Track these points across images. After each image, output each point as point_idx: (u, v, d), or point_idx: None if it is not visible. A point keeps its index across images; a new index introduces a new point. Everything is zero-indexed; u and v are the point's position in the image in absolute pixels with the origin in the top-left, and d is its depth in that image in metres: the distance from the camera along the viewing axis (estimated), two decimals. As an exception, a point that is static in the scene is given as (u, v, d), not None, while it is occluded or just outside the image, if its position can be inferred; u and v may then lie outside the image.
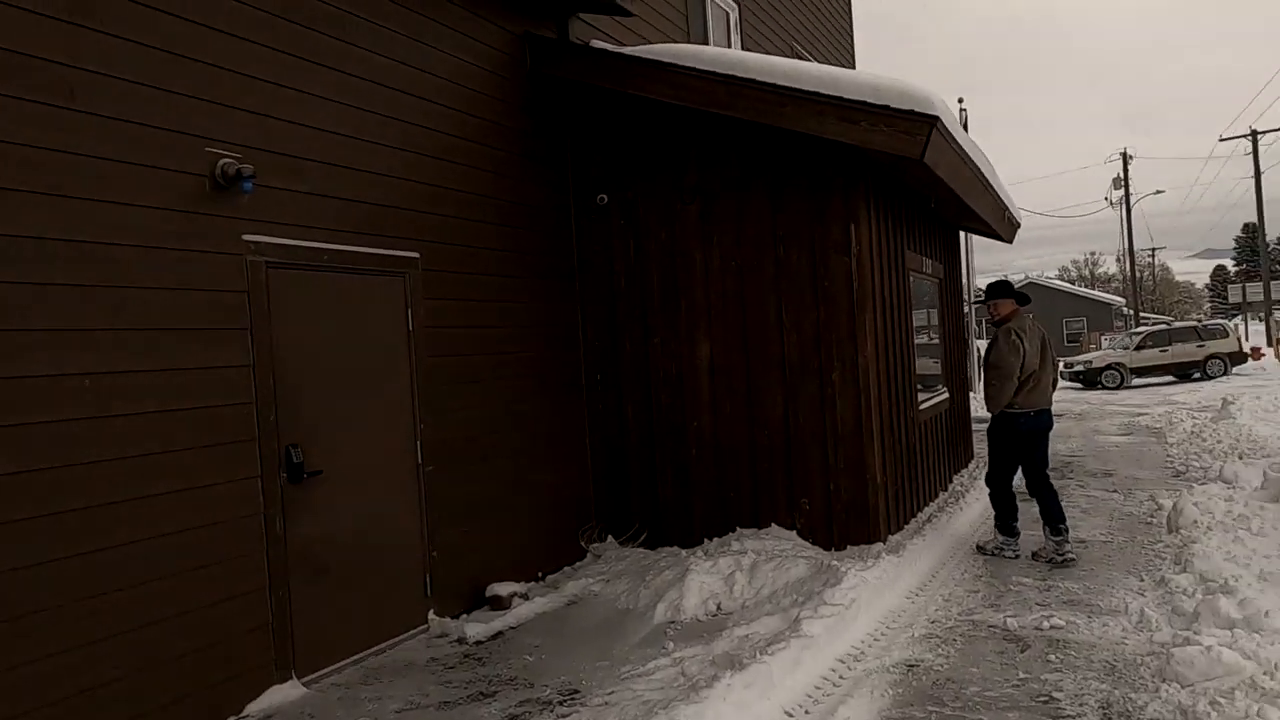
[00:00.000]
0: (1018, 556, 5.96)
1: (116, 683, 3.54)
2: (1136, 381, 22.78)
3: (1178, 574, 5.00)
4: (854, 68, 14.77)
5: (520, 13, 6.30)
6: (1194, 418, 12.80)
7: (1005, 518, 6.14)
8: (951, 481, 8.59)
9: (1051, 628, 4.47)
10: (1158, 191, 43.56)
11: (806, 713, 3.68)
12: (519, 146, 6.22)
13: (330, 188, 4.67)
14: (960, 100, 19.08)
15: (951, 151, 5.73)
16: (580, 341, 6.79)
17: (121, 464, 3.62)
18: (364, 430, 4.77)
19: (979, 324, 21.81)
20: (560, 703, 3.95)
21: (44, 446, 3.38)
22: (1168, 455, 9.93)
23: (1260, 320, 36.41)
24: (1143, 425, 13.14)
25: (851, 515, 5.96)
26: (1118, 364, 22.98)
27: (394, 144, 5.10)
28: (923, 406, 7.46)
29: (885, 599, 4.93)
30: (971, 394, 11.75)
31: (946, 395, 8.66)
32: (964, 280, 13.36)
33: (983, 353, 6.68)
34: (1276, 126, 37.34)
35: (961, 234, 11.27)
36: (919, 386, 7.49)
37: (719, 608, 5.06)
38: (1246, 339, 32.41)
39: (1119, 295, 54.71)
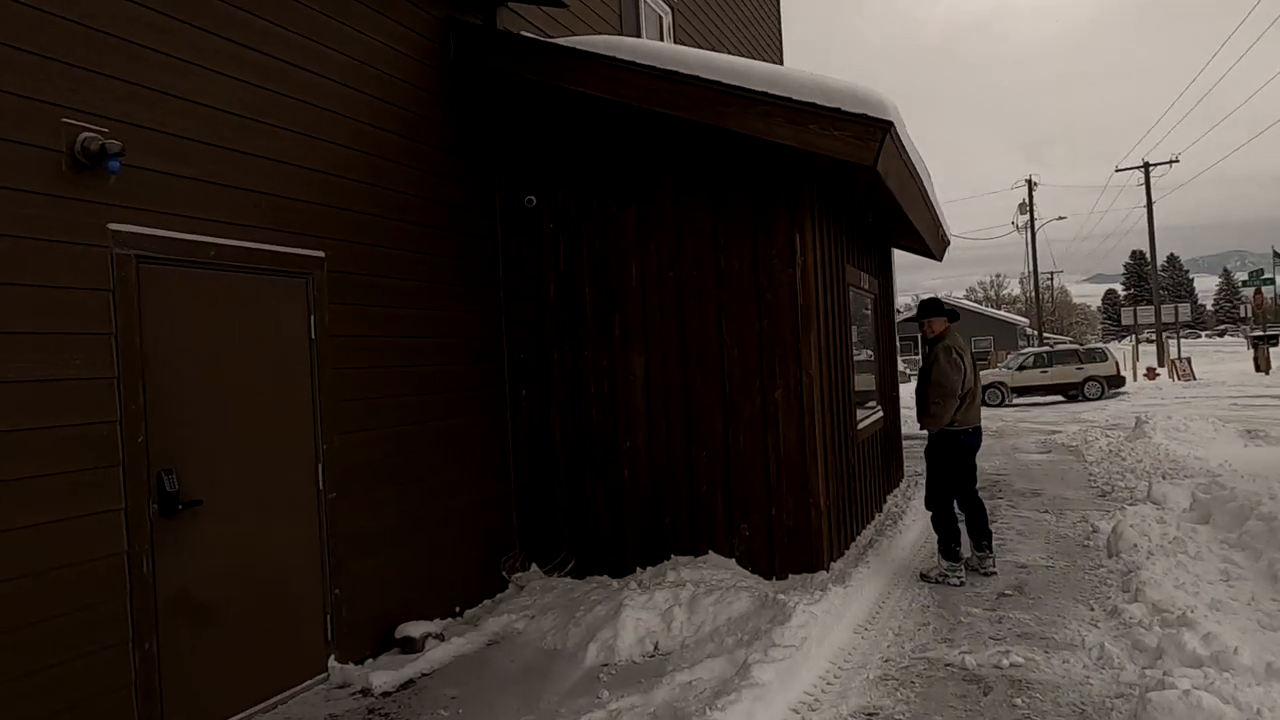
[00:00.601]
0: (963, 584, 5.78)
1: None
2: (1017, 400, 23.77)
3: (1129, 603, 4.82)
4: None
5: (444, -5, 5.80)
6: (1107, 436, 13.09)
7: (948, 541, 5.94)
8: (885, 502, 8.39)
9: (1011, 665, 4.20)
10: (1060, 218, 45.59)
11: (762, 775, 3.27)
12: (441, 140, 5.69)
13: (221, 174, 4.07)
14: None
15: (901, 160, 5.49)
16: (505, 354, 6.28)
17: (-60, 497, 2.95)
18: (255, 452, 4.16)
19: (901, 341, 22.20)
20: (481, 769, 3.44)
21: None
22: (1090, 474, 10.01)
23: (1148, 341, 38.38)
24: (1059, 443, 13.35)
25: (794, 542, 5.62)
26: (999, 383, 23.88)
27: (299, 129, 4.52)
28: (861, 425, 7.22)
29: (835, 635, 4.58)
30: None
31: (881, 414, 8.47)
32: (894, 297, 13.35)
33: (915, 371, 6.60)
34: (1167, 159, 39.42)
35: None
36: (856, 404, 7.25)
37: (656, 647, 4.62)
38: (1138, 359, 34.13)
39: (1023, 316, 57.03)
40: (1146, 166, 39.76)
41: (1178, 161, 39.48)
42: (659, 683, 4.02)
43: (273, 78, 4.37)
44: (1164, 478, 8.57)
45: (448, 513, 5.52)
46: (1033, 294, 48.14)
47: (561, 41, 5.79)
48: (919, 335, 6.53)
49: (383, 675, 4.41)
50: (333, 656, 4.51)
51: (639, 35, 9.24)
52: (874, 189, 6.04)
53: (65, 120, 3.39)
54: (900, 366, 18.64)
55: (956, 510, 6.04)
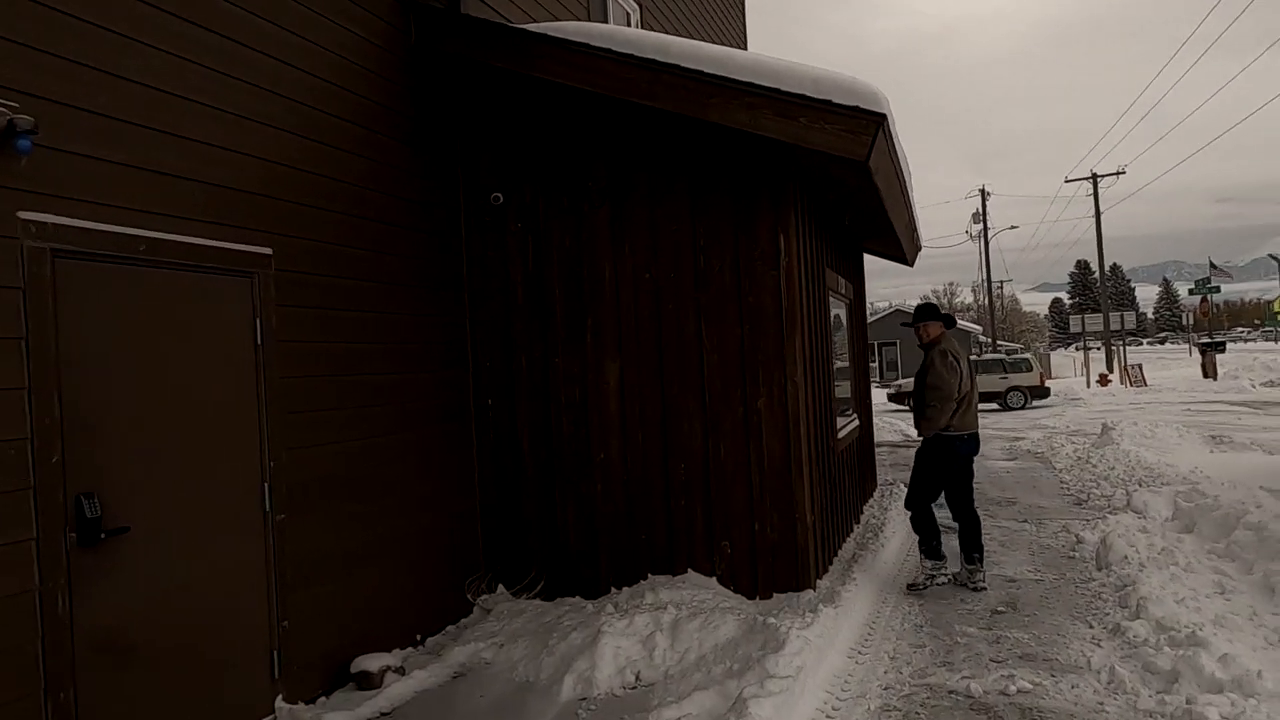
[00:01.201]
0: (949, 580, 5.76)
1: None
2: None
3: (1131, 620, 4.61)
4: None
5: (404, -24, 5.41)
6: (1073, 442, 13.10)
7: (930, 540, 5.88)
8: (863, 513, 8.16)
9: (1019, 692, 3.93)
10: (1013, 227, 46.40)
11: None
12: (401, 132, 5.29)
13: (156, 160, 3.63)
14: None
15: (890, 157, 5.24)
16: (470, 360, 5.88)
17: None
18: (192, 471, 3.72)
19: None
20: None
21: None
22: (1061, 481, 9.91)
23: (1091, 348, 39.24)
24: (1025, 450, 13.30)
25: (779, 559, 5.32)
26: None
27: (245, 113, 4.10)
28: (840, 434, 6.96)
29: (829, 660, 4.28)
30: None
31: (858, 422, 8.24)
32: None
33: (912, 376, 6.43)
34: (1114, 171, 40.36)
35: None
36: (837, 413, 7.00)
37: (638, 678, 4.27)
38: (1088, 366, 34.76)
39: (976, 324, 57.95)
40: (1095, 178, 40.67)
41: (1124, 173, 40.47)
42: (645, 719, 3.67)
43: (218, 57, 3.94)
44: (1141, 485, 8.47)
45: (408, 533, 5.10)
46: (985, 302, 48.91)
47: (531, 27, 5.44)
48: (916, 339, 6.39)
49: (336, 716, 3.98)
50: (280, 696, 4.07)
51: (606, 31, 8.91)
52: (859, 188, 5.79)
53: (-36, 91, 2.95)
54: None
55: (951, 521, 5.95)
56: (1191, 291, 37.75)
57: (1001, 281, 72.71)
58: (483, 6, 6.39)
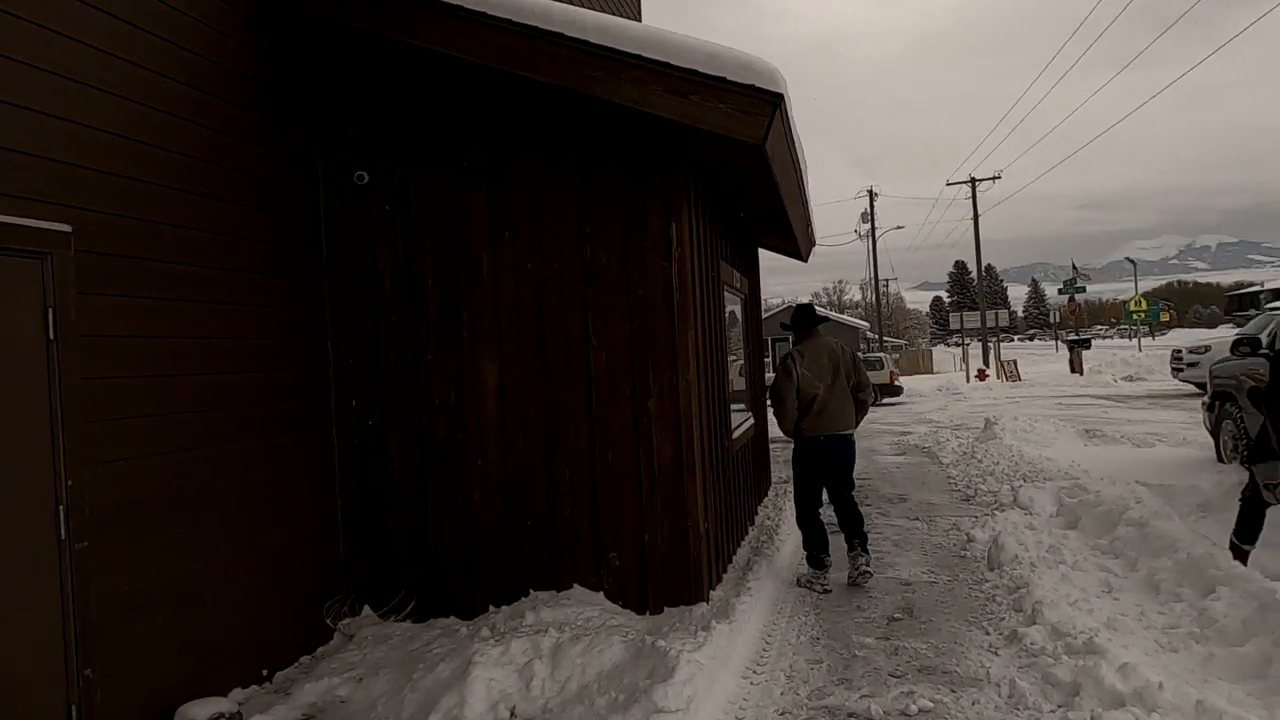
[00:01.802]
0: (828, 591, 5.64)
1: None
2: None
3: (1027, 626, 4.49)
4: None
5: (250, -79, 4.75)
6: (957, 437, 13.40)
7: (812, 548, 5.86)
8: (758, 514, 7.95)
9: (920, 711, 3.71)
10: (898, 227, 48.05)
11: None
12: (246, 98, 4.65)
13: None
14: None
15: (786, 143, 4.97)
16: (330, 358, 5.28)
17: None
18: (-40, 494, 3.03)
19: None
20: None
21: None
22: (949, 477, 10.03)
23: (965, 344, 41.15)
24: (912, 445, 13.53)
25: (670, 570, 4.97)
26: None
27: (42, 64, 3.41)
28: (735, 434, 6.70)
29: (722, 683, 3.96)
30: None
31: (753, 420, 8.02)
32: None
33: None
34: (991, 176, 42.35)
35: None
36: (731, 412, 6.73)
37: (513, 713, 3.82)
38: (967, 362, 36.36)
39: (864, 320, 59.86)
40: (973, 181, 42.65)
41: (1000, 177, 42.58)
42: (517, 766, 3.24)
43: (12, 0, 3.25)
44: (1025, 480, 8.60)
45: (255, 554, 4.48)
46: (872, 299, 50.52)
47: (398, -13, 4.88)
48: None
49: (152, 779, 3.38)
50: (83, 758, 3.42)
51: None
52: (755, 178, 5.51)
53: None
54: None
55: (833, 515, 6.00)
56: (1060, 291, 40.04)
57: (888, 280, 75.54)
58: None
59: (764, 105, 4.24)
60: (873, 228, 44.76)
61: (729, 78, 4.23)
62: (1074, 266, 43.96)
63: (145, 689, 3.74)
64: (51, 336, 3.38)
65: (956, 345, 44.11)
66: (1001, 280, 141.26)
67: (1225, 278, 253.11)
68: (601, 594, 5.01)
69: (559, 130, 5.07)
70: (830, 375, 5.81)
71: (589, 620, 4.64)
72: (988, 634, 4.63)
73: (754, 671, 4.23)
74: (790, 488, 6.32)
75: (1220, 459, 8.89)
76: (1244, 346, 7.24)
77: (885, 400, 23.94)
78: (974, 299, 59.41)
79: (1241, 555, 5.13)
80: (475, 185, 5.17)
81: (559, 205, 5.07)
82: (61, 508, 3.38)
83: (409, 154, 5.24)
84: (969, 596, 5.35)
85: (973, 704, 3.76)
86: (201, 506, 4.14)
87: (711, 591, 5.16)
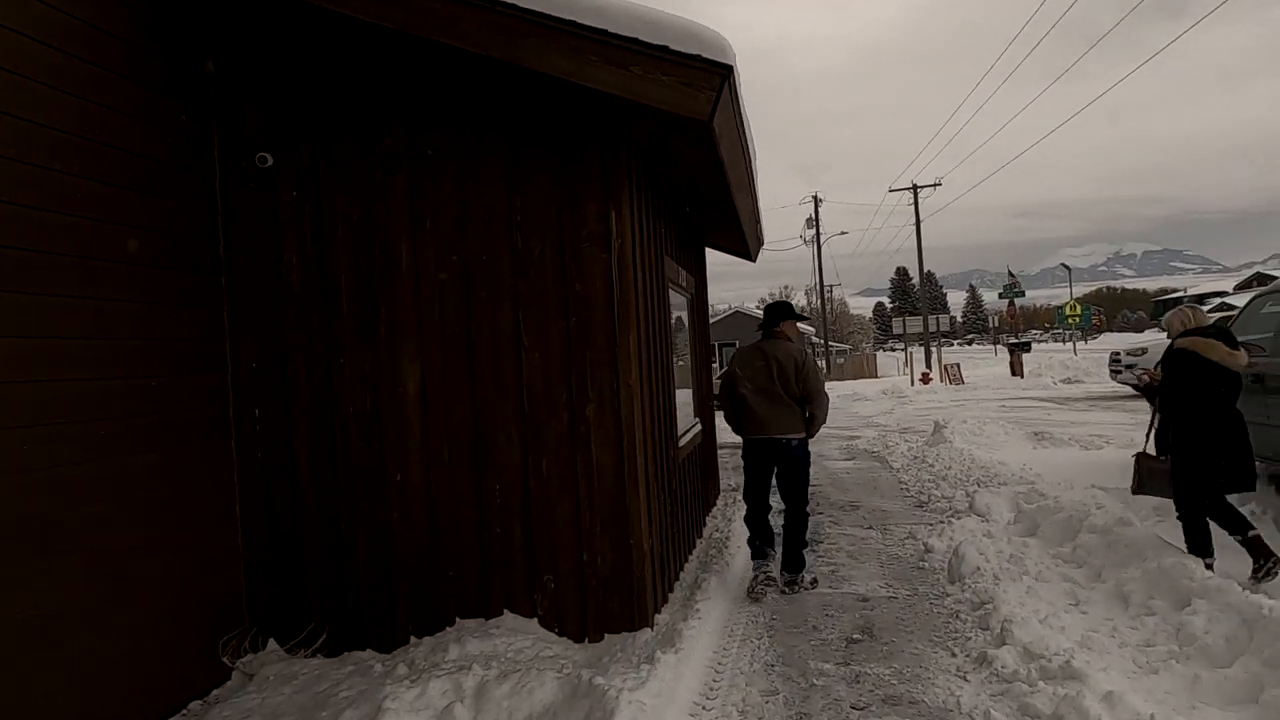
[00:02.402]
0: (771, 582, 5.54)
1: None
2: None
3: (997, 647, 4.15)
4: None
5: None
6: (906, 441, 13.23)
7: (752, 542, 5.75)
8: (706, 525, 7.54)
9: (889, 751, 3.32)
10: (843, 233, 48.53)
11: None
12: (127, 66, 4.07)
13: None
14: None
15: (735, 123, 4.57)
16: (228, 362, 4.70)
17: None
18: None
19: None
20: None
21: None
22: (900, 482, 9.77)
23: (906, 348, 41.76)
24: (861, 449, 13.31)
25: (611, 593, 4.52)
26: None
27: None
28: (682, 442, 6.28)
29: (669, 724, 3.51)
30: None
31: (700, 426, 7.62)
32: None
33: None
34: (932, 183, 43.10)
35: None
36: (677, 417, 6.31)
37: (430, 767, 3.33)
38: (911, 366, 36.74)
39: (809, 325, 60.37)
40: (915, 188, 43.42)
41: (940, 184, 43.38)
42: (429, 838, 2.74)
43: None
44: (980, 485, 8.36)
45: (135, 587, 3.89)
46: (817, 305, 50.87)
47: (302, -57, 4.35)
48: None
49: None
50: (-104, 845, 2.82)
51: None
52: (702, 162, 5.11)
53: None
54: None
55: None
56: (1000, 296, 40.83)
57: (832, 285, 76.44)
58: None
59: (711, 77, 3.83)
60: (818, 233, 45.10)
61: (673, 46, 3.82)
62: (1010, 273, 44.95)
63: (-16, 755, 3.15)
64: None
65: (896, 350, 44.74)
66: (941, 286, 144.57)
67: (1151, 284, 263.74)
68: (535, 621, 4.54)
69: (487, 107, 4.59)
70: (764, 378, 5.58)
71: (520, 652, 4.16)
72: (954, 656, 4.28)
73: (703, 709, 3.79)
74: (739, 496, 6.21)
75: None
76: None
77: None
78: (915, 304, 60.32)
79: (1206, 569, 4.90)
80: (393, 168, 4.66)
81: (487, 190, 4.59)
82: None
83: (319, 133, 4.70)
84: (931, 613, 5.01)
85: (946, 740, 3.39)
86: (65, 535, 3.54)
87: (656, 615, 4.73)
